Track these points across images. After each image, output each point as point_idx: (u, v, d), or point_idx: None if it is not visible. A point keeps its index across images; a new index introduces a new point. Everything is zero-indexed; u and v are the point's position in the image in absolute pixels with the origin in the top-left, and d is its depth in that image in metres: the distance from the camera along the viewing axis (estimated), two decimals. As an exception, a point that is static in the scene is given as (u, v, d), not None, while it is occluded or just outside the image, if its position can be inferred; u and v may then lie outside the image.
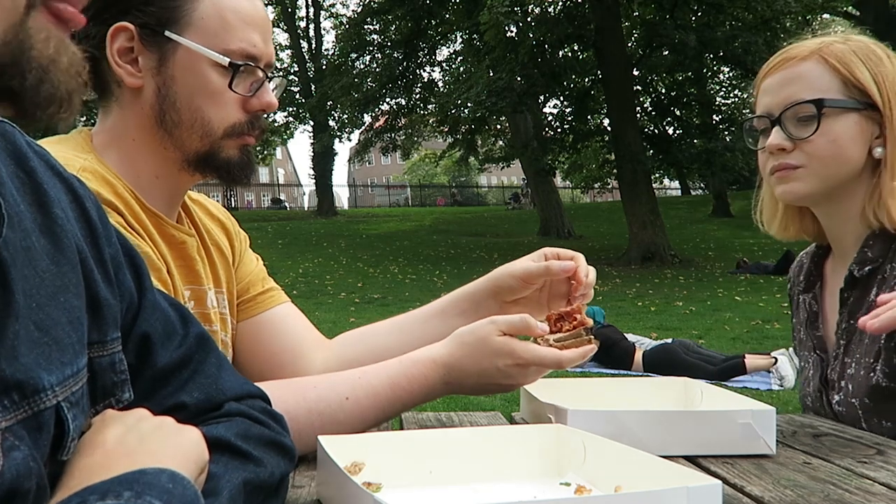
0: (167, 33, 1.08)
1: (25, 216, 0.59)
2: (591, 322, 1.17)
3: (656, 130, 21.49)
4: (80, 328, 0.61)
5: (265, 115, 1.17)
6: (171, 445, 0.61)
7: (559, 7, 17.34)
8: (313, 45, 29.76)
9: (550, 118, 21.15)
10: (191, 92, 1.09)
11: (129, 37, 1.08)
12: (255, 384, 0.82)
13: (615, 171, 18.84)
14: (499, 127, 23.46)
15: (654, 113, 22.20)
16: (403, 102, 22.44)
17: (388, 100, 22.05)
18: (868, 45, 1.32)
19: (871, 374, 1.25)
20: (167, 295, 0.80)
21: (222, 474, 0.65)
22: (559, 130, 20.19)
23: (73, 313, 0.61)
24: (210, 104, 1.10)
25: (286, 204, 45.76)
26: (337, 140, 26.59)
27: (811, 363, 1.44)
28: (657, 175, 26.11)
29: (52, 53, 0.50)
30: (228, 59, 1.09)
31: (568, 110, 20.62)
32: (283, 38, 29.08)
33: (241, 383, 0.78)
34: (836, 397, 1.33)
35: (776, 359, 5.44)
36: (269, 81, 1.15)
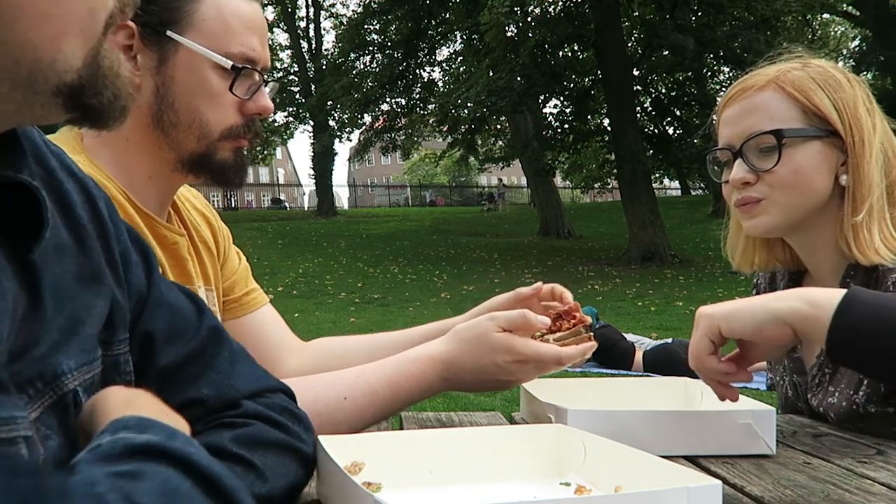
0: (169, 33, 1.08)
1: (54, 215, 0.60)
2: (590, 320, 1.18)
3: (656, 130, 21.51)
4: (99, 322, 0.62)
5: (261, 119, 1.17)
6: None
7: (559, 7, 17.34)
8: (313, 45, 29.74)
9: (550, 118, 21.16)
10: (190, 93, 1.09)
11: (128, 34, 1.07)
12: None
13: (615, 171, 18.85)
14: (499, 127, 23.46)
15: (654, 113, 22.22)
16: (403, 102, 22.43)
17: (388, 100, 22.05)
18: (827, 69, 1.29)
19: (854, 406, 1.22)
20: (183, 287, 0.80)
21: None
22: (559, 130, 20.20)
23: (95, 309, 0.62)
24: (208, 106, 1.10)
25: (286, 204, 45.76)
26: (337, 140, 26.60)
27: (787, 382, 1.42)
28: (657, 175, 26.14)
29: (116, 68, 0.55)
30: (231, 62, 1.09)
31: (568, 110, 20.64)
32: (283, 38, 29.13)
33: (257, 377, 0.77)
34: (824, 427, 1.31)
35: (776, 359, 5.44)
36: (265, 85, 1.16)
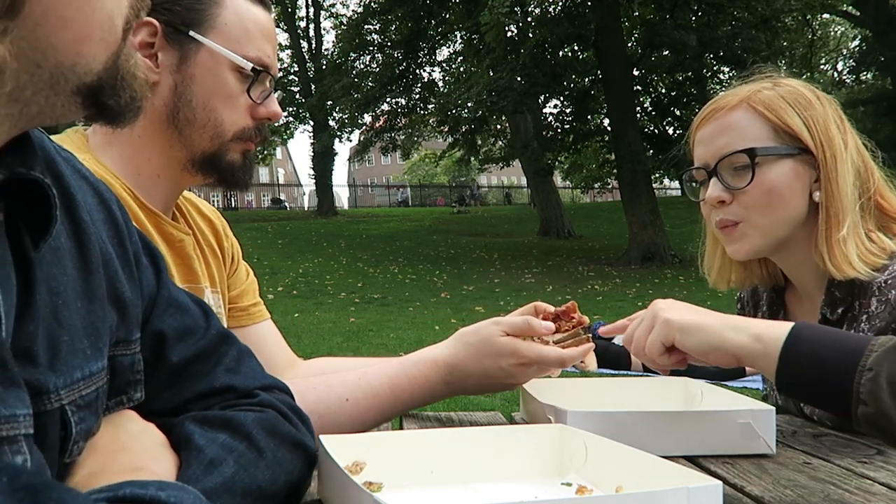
0: (192, 33, 1.10)
1: (58, 218, 0.61)
2: (587, 320, 1.18)
3: (656, 130, 21.50)
4: (93, 334, 0.62)
5: (268, 124, 1.19)
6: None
7: (559, 7, 17.34)
8: (313, 45, 29.73)
9: (550, 118, 21.15)
10: (208, 92, 1.11)
11: (151, 32, 1.09)
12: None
13: (615, 171, 18.85)
14: (499, 127, 23.44)
15: (654, 113, 22.21)
16: (403, 102, 22.43)
17: (388, 100, 22.04)
18: (797, 88, 1.31)
19: None
20: (189, 293, 0.81)
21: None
22: (559, 130, 20.19)
23: (87, 318, 0.62)
24: (224, 106, 1.12)
25: (286, 204, 45.77)
26: (337, 140, 26.60)
27: (777, 392, 1.43)
28: (657, 175, 26.09)
29: (133, 70, 0.57)
30: (251, 65, 1.11)
31: (568, 110, 20.63)
32: (283, 38, 29.03)
33: (264, 375, 0.79)
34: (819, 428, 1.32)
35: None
36: (274, 93, 1.19)
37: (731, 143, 1.29)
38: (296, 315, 9.31)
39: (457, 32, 20.91)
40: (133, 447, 0.65)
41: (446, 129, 21.19)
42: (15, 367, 0.51)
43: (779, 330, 0.99)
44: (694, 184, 1.40)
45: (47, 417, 0.56)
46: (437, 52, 22.54)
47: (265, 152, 31.58)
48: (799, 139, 1.27)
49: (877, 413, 0.89)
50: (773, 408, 1.06)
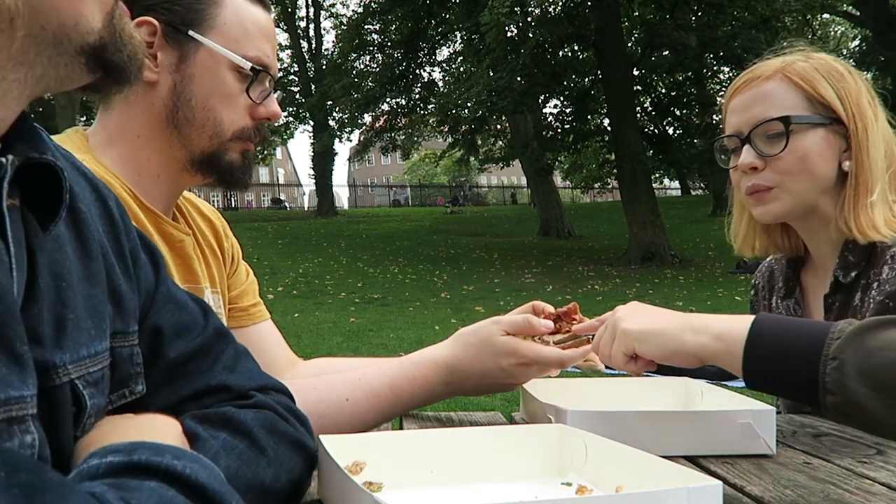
0: (191, 33, 1.10)
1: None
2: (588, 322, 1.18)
3: (656, 130, 21.51)
4: (96, 316, 0.63)
5: (268, 124, 1.19)
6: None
7: (559, 7, 17.35)
8: (313, 45, 29.75)
9: (550, 118, 21.17)
10: (207, 92, 1.11)
11: (151, 31, 1.09)
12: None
13: (615, 171, 18.86)
14: (499, 127, 23.46)
15: (654, 113, 22.22)
16: (403, 102, 22.43)
17: (388, 100, 22.05)
18: (830, 62, 1.35)
19: None
20: (188, 292, 0.81)
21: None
22: (559, 130, 20.21)
23: (90, 301, 0.63)
24: (224, 106, 1.13)
25: (286, 204, 45.80)
26: (337, 140, 26.63)
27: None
28: (657, 175, 26.15)
29: (129, 30, 0.59)
30: (251, 64, 1.12)
31: (568, 110, 20.65)
32: (283, 38, 29.06)
33: (261, 375, 0.79)
34: None
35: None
36: (273, 93, 1.19)
37: (767, 111, 1.32)
38: (296, 315, 9.32)
39: (457, 32, 20.92)
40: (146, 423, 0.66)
41: (446, 129, 21.20)
42: (27, 344, 0.52)
43: (739, 326, 0.98)
44: (724, 155, 1.44)
45: (57, 392, 0.57)
46: (437, 52, 22.57)
47: (265, 152, 31.62)
48: (832, 109, 1.31)
49: (844, 402, 0.89)
50: (773, 408, 1.06)
